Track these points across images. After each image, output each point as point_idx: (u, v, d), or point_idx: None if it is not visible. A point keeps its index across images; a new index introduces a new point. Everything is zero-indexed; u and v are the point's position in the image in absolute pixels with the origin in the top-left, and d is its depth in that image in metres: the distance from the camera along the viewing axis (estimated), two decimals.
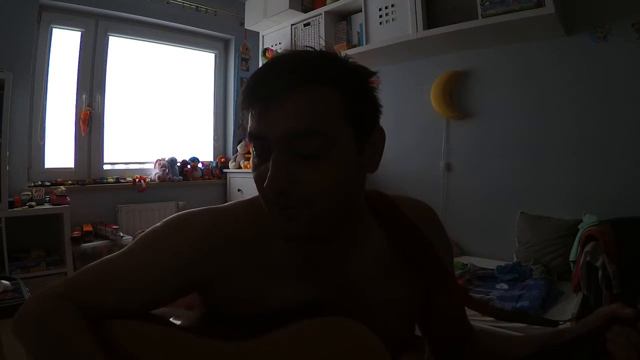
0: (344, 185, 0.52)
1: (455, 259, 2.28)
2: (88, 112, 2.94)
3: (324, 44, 0.60)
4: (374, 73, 0.56)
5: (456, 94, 2.54)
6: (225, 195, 3.61)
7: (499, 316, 0.64)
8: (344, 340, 0.52)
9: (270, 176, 0.49)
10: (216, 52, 3.78)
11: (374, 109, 0.56)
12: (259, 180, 0.52)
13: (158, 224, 0.60)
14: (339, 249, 0.59)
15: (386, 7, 2.43)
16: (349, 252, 0.60)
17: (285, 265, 0.58)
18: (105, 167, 3.12)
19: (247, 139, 0.54)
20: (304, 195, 0.50)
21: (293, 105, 0.49)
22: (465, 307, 0.72)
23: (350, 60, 0.55)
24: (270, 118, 0.49)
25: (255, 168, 0.53)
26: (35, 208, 2.43)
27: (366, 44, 2.54)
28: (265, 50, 3.17)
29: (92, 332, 0.52)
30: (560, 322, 0.63)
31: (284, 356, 0.53)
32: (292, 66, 0.51)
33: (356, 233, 0.60)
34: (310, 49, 0.55)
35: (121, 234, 2.74)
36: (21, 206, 2.39)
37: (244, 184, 3.43)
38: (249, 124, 0.52)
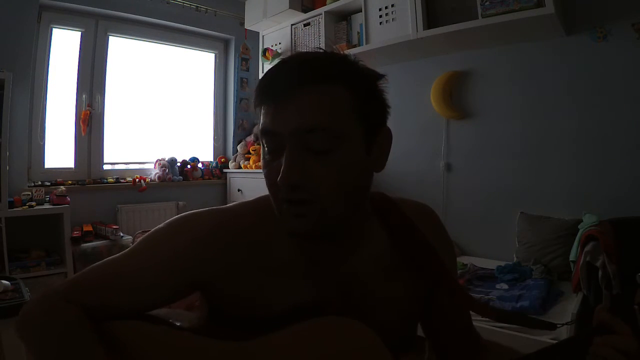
0: (352, 182, 0.53)
1: None
2: (88, 112, 2.94)
3: (331, 46, 0.61)
4: (383, 76, 0.57)
5: (456, 94, 2.54)
6: (225, 195, 3.61)
7: (498, 318, 0.64)
8: (346, 340, 0.52)
9: (284, 169, 0.50)
10: (216, 52, 3.78)
11: (383, 109, 0.57)
12: (270, 176, 0.53)
13: (161, 224, 0.60)
14: (342, 249, 0.60)
15: (386, 7, 2.43)
16: (352, 253, 0.60)
17: (288, 266, 0.58)
18: (105, 167, 3.12)
19: (259, 136, 0.55)
20: (315, 189, 0.50)
21: (306, 101, 0.50)
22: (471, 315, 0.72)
23: (360, 62, 0.56)
24: (284, 114, 0.51)
25: (267, 165, 0.54)
26: (35, 208, 2.43)
27: (366, 44, 2.54)
28: (265, 50, 3.17)
29: (95, 333, 0.52)
30: (558, 325, 0.63)
31: (285, 355, 0.53)
32: (306, 64, 0.53)
33: (360, 234, 0.60)
34: (321, 50, 0.57)
35: (121, 234, 2.74)
36: (21, 206, 2.39)
37: (244, 184, 3.43)
38: (262, 121, 0.53)
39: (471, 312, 0.66)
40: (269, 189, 0.55)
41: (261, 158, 0.55)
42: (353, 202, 0.55)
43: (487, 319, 0.64)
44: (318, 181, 0.50)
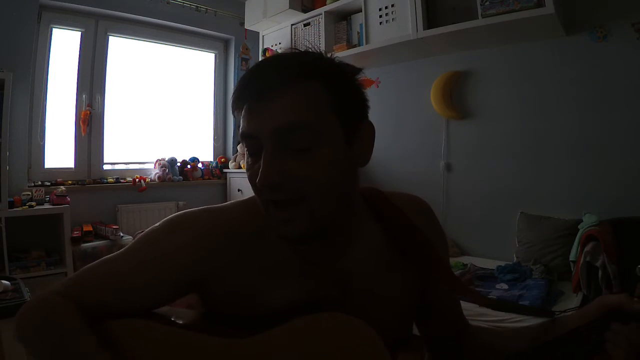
0: (335, 179, 0.53)
1: (455, 259, 2.28)
2: (88, 112, 2.94)
3: (309, 45, 0.61)
4: (360, 70, 0.57)
5: (456, 94, 2.54)
6: (225, 195, 3.61)
7: (495, 307, 0.65)
8: (344, 337, 0.52)
9: (262, 171, 0.50)
10: (216, 52, 3.78)
11: (361, 102, 0.57)
12: (253, 179, 0.53)
13: (157, 224, 0.60)
14: (337, 245, 0.60)
15: (386, 7, 2.43)
16: (347, 249, 0.60)
17: (283, 263, 0.59)
18: (105, 167, 3.12)
19: (240, 140, 0.55)
20: (297, 188, 0.51)
21: (281, 101, 0.50)
22: (461, 302, 0.73)
23: (336, 58, 0.57)
24: (260, 116, 0.51)
25: (249, 168, 0.54)
26: (35, 208, 2.43)
27: (366, 44, 2.54)
28: (265, 50, 3.17)
29: (94, 330, 0.52)
30: (557, 313, 0.63)
31: (284, 352, 0.53)
32: (278, 65, 0.53)
33: (353, 229, 0.61)
34: (295, 50, 0.57)
35: (121, 234, 2.74)
36: (21, 206, 2.39)
37: (244, 184, 3.43)
38: (241, 125, 0.53)
39: (468, 305, 0.65)
40: (254, 191, 0.55)
41: (245, 161, 0.54)
42: (340, 199, 0.55)
43: (484, 307, 0.64)
44: (299, 179, 0.50)
